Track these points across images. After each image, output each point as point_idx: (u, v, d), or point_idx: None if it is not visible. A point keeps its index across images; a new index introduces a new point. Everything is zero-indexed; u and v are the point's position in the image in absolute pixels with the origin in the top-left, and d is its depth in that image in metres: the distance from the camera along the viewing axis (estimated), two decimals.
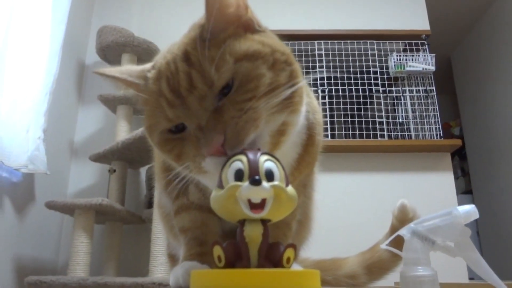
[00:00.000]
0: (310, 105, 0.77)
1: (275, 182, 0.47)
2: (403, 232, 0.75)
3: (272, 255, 0.46)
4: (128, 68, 0.68)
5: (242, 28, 0.64)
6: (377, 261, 0.98)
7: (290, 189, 0.48)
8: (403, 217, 0.96)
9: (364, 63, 2.93)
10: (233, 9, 0.63)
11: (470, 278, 2.37)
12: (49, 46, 2.23)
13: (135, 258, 2.51)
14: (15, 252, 2.14)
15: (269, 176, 0.47)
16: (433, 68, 2.85)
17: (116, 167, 2.49)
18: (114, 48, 2.70)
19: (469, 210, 0.71)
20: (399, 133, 2.84)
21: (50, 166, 2.19)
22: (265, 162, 0.48)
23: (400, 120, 2.87)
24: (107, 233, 2.41)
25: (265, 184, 0.45)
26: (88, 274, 2.07)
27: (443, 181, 2.72)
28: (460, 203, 2.67)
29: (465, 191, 4.66)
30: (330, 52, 2.92)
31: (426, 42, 2.97)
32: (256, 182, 0.45)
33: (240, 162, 0.48)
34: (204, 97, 0.58)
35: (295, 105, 0.63)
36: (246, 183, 0.45)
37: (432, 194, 2.66)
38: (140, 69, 0.67)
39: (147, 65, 0.67)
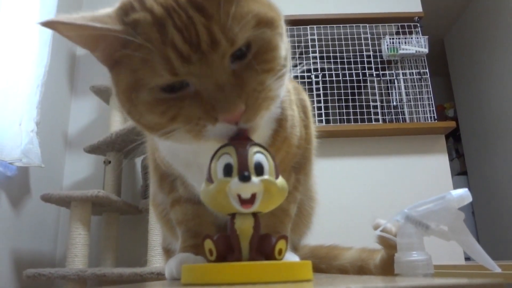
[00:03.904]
0: None
1: (265, 176, 0.46)
2: (397, 217, 0.75)
3: (264, 247, 0.46)
4: (84, 15, 0.55)
5: None
6: (366, 269, 0.97)
7: (280, 180, 0.47)
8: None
9: (357, 47, 2.91)
10: None
11: (466, 259, 2.39)
12: (39, 37, 2.20)
13: (133, 249, 2.52)
14: (12, 246, 2.14)
15: (259, 169, 0.47)
16: (426, 50, 2.84)
17: (111, 158, 2.48)
18: None
19: (462, 194, 0.72)
20: (393, 117, 2.83)
21: (45, 159, 2.18)
22: (255, 155, 0.48)
23: (394, 103, 2.87)
24: (104, 224, 2.41)
25: (254, 179, 0.45)
26: (87, 265, 2.08)
27: (438, 163, 2.72)
28: (455, 184, 2.69)
29: (460, 173, 4.68)
30: (322, 37, 2.89)
31: (419, 25, 2.95)
32: (245, 179, 0.45)
33: (228, 156, 0.48)
34: (225, 55, 0.51)
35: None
36: (235, 179, 0.45)
37: (427, 176, 2.68)
38: (104, 14, 0.56)
39: (108, 10, 0.57)
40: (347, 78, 2.83)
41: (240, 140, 0.50)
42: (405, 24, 2.95)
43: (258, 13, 0.54)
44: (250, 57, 0.54)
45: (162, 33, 0.51)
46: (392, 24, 2.97)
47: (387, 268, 0.86)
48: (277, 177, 0.47)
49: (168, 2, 0.52)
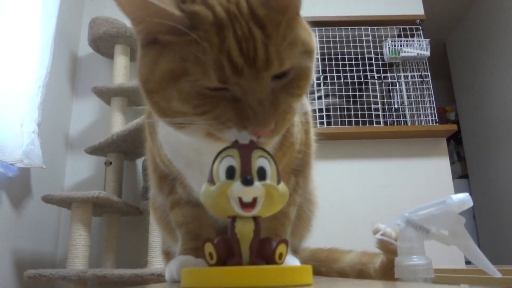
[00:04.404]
0: None
1: (267, 181, 0.46)
2: (398, 221, 0.75)
3: (264, 251, 0.46)
4: None
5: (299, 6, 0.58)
6: (366, 273, 0.97)
7: (281, 186, 0.47)
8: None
9: (359, 50, 2.91)
10: None
11: (467, 262, 2.39)
12: (41, 39, 2.21)
13: (134, 250, 2.52)
14: (13, 247, 2.14)
15: (261, 174, 0.47)
16: (428, 53, 2.84)
17: (112, 159, 2.48)
18: (106, 39, 2.67)
19: (463, 199, 0.72)
20: (394, 119, 2.83)
21: (46, 160, 2.19)
22: (258, 159, 0.48)
23: (396, 106, 2.87)
24: (105, 225, 2.41)
25: (256, 183, 0.45)
26: (87, 266, 2.08)
27: (439, 166, 2.72)
28: (456, 187, 2.69)
29: (461, 176, 4.68)
30: (324, 39, 2.90)
31: (420, 27, 2.95)
32: (248, 182, 0.45)
33: (232, 158, 0.48)
34: (272, 74, 0.53)
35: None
36: (237, 182, 0.45)
37: (428, 179, 2.67)
38: None
39: None
40: (349, 80, 2.83)
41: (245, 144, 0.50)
42: (407, 27, 2.95)
43: (305, 42, 0.56)
44: (287, 80, 0.55)
45: (220, 38, 0.50)
46: (394, 26, 2.97)
47: (387, 272, 0.86)
48: (278, 182, 0.47)
49: (231, 8, 0.52)
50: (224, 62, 0.50)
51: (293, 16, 0.55)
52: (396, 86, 2.90)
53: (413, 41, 2.89)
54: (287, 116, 0.56)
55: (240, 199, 0.45)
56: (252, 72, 0.51)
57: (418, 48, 2.86)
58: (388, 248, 0.83)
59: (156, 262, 2.08)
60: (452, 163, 3.97)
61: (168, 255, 1.00)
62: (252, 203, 0.45)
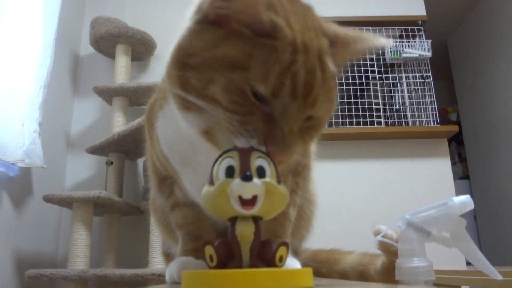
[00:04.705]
0: None
1: (267, 179, 0.46)
2: (399, 223, 0.75)
3: (265, 254, 0.46)
4: None
5: None
6: (367, 274, 0.97)
7: (282, 186, 0.47)
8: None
9: None
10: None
11: (468, 264, 2.38)
12: (42, 38, 2.21)
13: (134, 250, 2.52)
14: (14, 246, 2.14)
15: (261, 173, 0.47)
16: (429, 54, 2.84)
17: (113, 159, 2.49)
18: (108, 39, 2.68)
19: (464, 201, 0.71)
20: (396, 120, 2.83)
21: (47, 160, 2.19)
22: (257, 159, 0.48)
23: (397, 106, 2.86)
24: (106, 225, 2.41)
25: (256, 180, 0.45)
26: (88, 266, 2.08)
27: (440, 167, 2.72)
28: (457, 188, 2.68)
29: (462, 177, 4.67)
30: None
31: (422, 28, 2.95)
32: (247, 178, 0.44)
33: (231, 159, 0.48)
34: (308, 115, 0.56)
35: None
36: (237, 179, 0.45)
37: (429, 180, 2.67)
38: None
39: None
40: (350, 81, 2.83)
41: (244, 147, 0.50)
42: (409, 27, 2.95)
43: (333, 103, 0.60)
44: (306, 126, 0.58)
45: (292, 58, 0.53)
46: (396, 27, 2.97)
47: (388, 274, 0.85)
48: (278, 183, 0.47)
49: (305, 39, 0.54)
50: (287, 80, 0.52)
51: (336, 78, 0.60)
52: (397, 86, 2.90)
53: (415, 41, 2.90)
54: (291, 157, 0.58)
55: (240, 197, 0.44)
56: (301, 102, 0.53)
57: (419, 48, 2.86)
58: (389, 249, 0.83)
59: (156, 262, 2.08)
60: (453, 164, 3.97)
61: (168, 256, 0.99)
62: (252, 201, 0.44)
